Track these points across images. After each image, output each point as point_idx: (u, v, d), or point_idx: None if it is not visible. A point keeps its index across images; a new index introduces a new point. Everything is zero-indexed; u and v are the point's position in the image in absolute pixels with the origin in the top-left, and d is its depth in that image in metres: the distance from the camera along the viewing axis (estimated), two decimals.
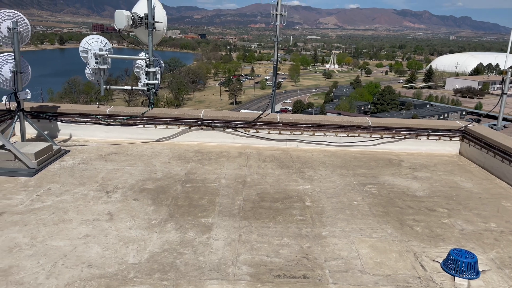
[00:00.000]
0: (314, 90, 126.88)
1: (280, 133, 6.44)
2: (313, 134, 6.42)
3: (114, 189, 4.52)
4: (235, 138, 6.48)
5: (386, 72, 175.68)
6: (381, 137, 6.47)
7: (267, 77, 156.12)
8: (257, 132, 6.45)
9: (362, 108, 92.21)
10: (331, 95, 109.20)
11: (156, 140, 6.45)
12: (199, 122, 6.43)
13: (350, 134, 6.41)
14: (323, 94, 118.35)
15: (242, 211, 4.11)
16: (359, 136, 6.45)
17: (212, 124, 6.43)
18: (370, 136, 6.46)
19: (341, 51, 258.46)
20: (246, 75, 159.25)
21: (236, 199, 4.43)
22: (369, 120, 6.49)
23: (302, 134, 6.45)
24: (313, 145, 6.43)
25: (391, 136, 6.48)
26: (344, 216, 4.13)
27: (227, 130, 6.46)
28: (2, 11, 5.38)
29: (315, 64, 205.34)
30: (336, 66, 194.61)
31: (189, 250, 3.35)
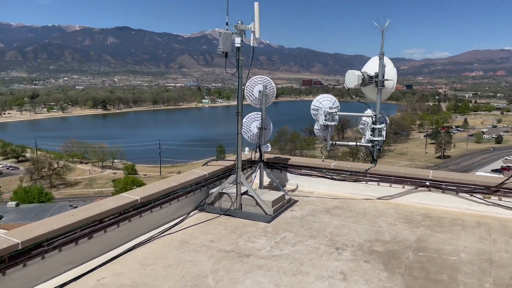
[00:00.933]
0: None
1: None
2: None
3: (343, 246, 4.52)
4: (470, 205, 5.71)
5: None
6: None
7: (484, 130, 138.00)
8: (500, 200, 5.52)
9: None
10: None
11: (378, 198, 6.27)
12: (427, 183, 5.96)
13: None
14: None
15: None
16: None
17: (443, 186, 5.86)
18: None
19: None
20: (457, 127, 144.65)
21: (484, 280, 3.79)
22: None
23: None
24: None
25: None
26: None
27: (460, 194, 5.77)
28: (255, 77, 6.37)
29: None
30: None
31: None
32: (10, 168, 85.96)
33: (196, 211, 5.64)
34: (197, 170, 5.95)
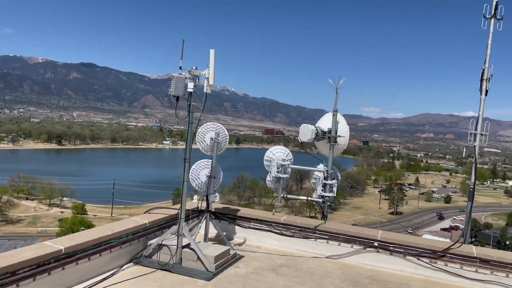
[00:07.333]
0: None
1: (476, 271, 5.31)
2: None
3: None
4: (417, 269, 5.60)
5: None
6: None
7: (434, 189, 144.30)
8: (446, 266, 5.46)
9: None
10: None
11: (327, 257, 6.06)
12: (376, 244, 5.84)
13: None
14: (504, 214, 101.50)
15: None
16: None
17: (391, 248, 5.75)
18: None
19: None
20: (409, 184, 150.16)
21: None
22: None
23: (507, 276, 5.18)
24: None
25: None
26: None
27: (407, 257, 5.67)
28: (208, 123, 6.19)
29: (494, 180, 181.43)
30: None
31: None
32: None
33: (131, 264, 5.15)
34: (136, 218, 5.53)
